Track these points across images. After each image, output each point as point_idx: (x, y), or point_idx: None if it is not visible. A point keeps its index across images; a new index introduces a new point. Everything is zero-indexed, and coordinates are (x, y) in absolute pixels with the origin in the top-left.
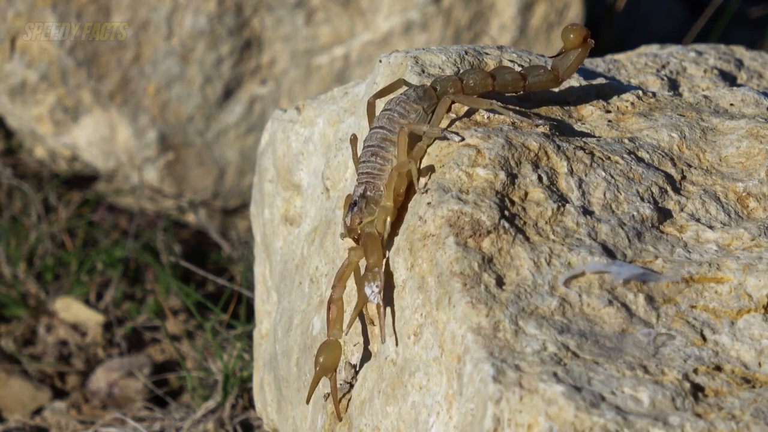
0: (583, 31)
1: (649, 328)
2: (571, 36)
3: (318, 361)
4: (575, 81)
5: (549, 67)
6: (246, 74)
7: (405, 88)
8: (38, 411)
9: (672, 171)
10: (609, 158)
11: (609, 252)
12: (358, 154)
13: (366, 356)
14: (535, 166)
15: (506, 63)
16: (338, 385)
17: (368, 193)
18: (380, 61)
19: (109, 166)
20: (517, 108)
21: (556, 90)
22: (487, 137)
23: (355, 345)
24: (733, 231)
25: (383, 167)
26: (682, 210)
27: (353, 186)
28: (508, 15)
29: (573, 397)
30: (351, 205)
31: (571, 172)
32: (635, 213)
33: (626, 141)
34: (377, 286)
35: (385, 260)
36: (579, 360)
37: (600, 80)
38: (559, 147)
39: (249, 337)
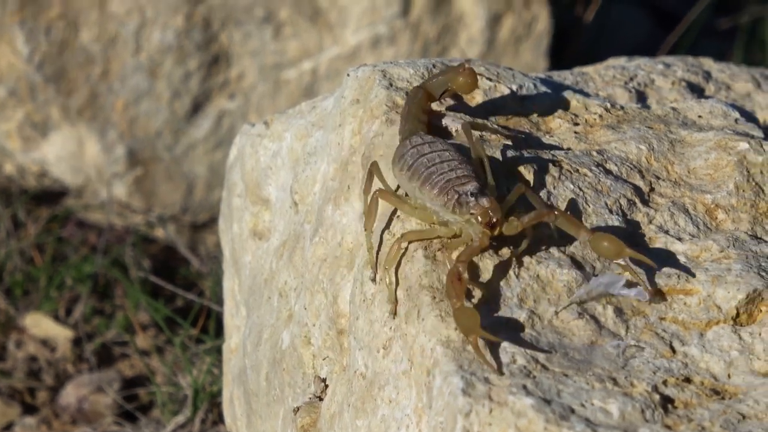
0: (475, 85)
1: (619, 340)
2: (463, 85)
3: (471, 329)
4: (544, 94)
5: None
6: (214, 89)
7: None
8: (8, 427)
9: (640, 183)
10: (577, 170)
11: (578, 264)
12: (415, 167)
13: (335, 370)
14: (504, 178)
15: None
16: (309, 399)
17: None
18: (348, 74)
19: (77, 182)
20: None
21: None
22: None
23: (324, 359)
24: (702, 243)
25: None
26: (650, 222)
27: (421, 188)
28: (476, 28)
29: (542, 409)
30: (475, 192)
31: (540, 184)
32: (604, 225)
33: (594, 153)
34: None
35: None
36: (548, 372)
37: (568, 93)
38: (527, 159)
39: (218, 351)
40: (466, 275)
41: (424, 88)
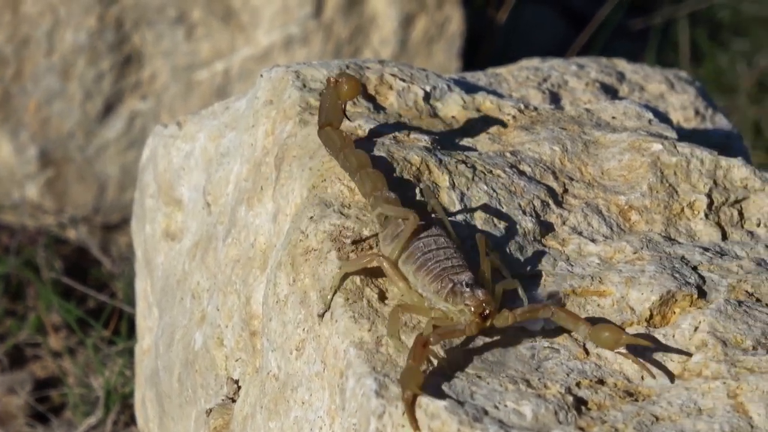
0: (358, 86)
1: (533, 342)
2: (350, 92)
3: (412, 386)
4: (458, 95)
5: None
6: (126, 90)
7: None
8: None
9: (554, 184)
10: (491, 172)
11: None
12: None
13: (248, 371)
14: (417, 180)
15: (388, 77)
16: (221, 401)
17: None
18: (261, 75)
19: None
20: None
21: (438, 104)
22: (369, 151)
23: (237, 360)
24: (616, 244)
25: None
26: (564, 223)
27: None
28: (388, 29)
29: (456, 411)
30: (470, 283)
31: (453, 185)
32: (517, 226)
33: (508, 155)
34: None
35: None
36: (462, 374)
37: (482, 94)
38: (441, 161)
39: (130, 353)
40: (431, 347)
41: (329, 126)
